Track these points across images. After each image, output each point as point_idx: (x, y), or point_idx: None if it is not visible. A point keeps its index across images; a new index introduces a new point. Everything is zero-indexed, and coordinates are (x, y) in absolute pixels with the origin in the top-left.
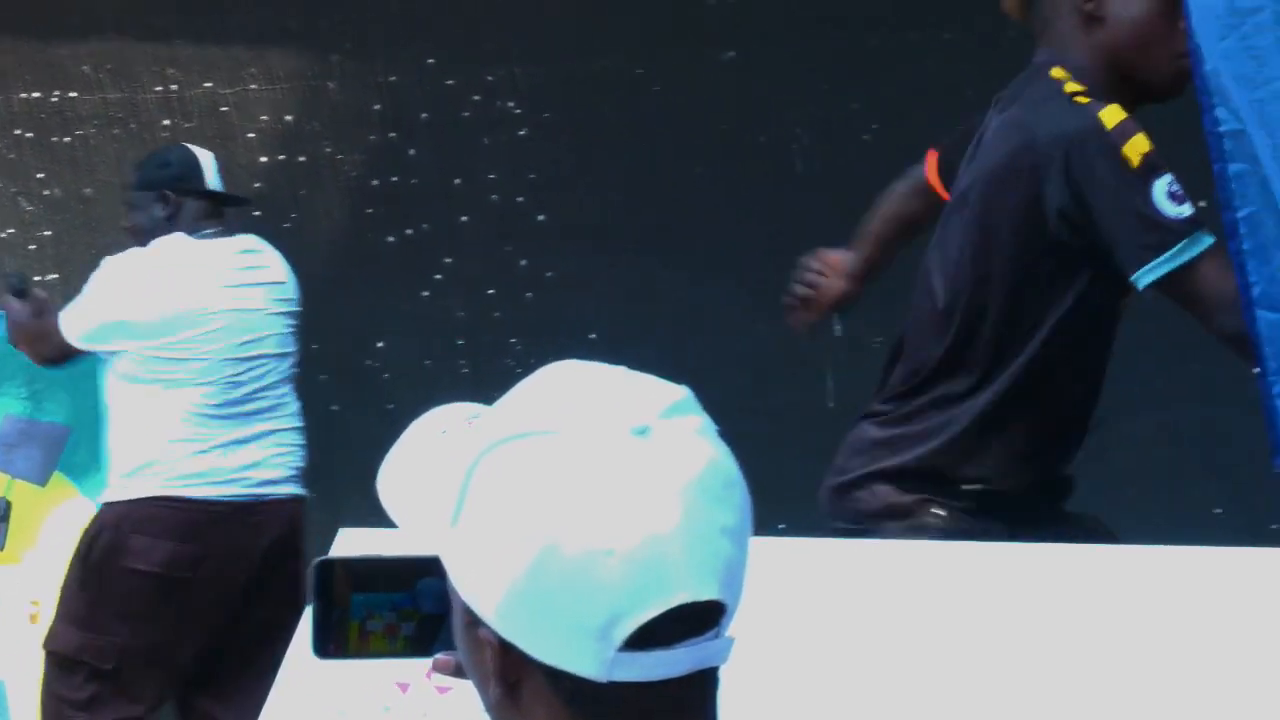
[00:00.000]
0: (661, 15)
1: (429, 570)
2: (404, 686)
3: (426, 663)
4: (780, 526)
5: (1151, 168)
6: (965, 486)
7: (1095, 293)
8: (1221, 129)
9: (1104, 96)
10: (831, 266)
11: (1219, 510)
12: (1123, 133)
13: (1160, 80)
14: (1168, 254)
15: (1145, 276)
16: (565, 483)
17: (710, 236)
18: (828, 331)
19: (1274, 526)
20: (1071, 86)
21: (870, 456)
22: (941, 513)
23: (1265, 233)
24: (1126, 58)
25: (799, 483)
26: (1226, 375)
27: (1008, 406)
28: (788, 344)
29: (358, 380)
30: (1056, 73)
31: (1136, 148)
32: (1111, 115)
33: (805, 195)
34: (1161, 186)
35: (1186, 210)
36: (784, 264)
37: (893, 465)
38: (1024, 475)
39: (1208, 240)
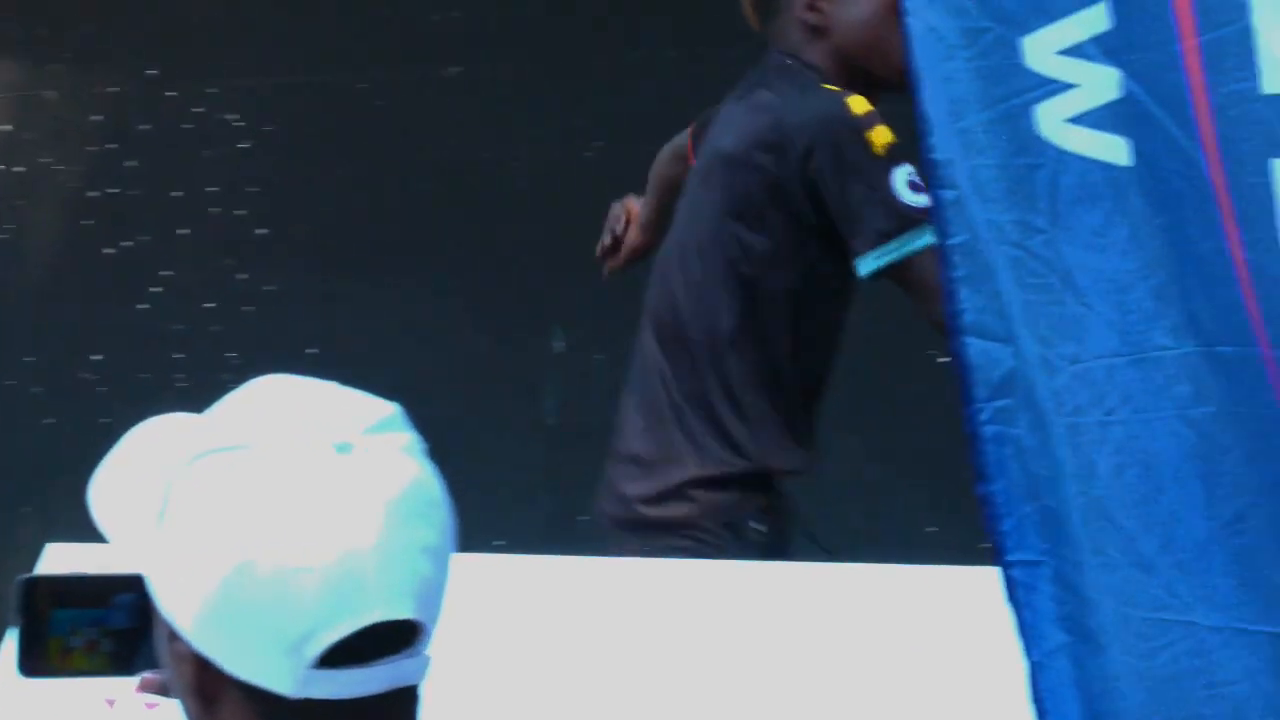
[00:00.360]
0: (385, 30)
1: (130, 586)
2: (111, 702)
3: (135, 679)
4: (497, 543)
5: (894, 156)
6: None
7: (828, 274)
8: (935, 156)
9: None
10: (632, 217)
11: (932, 529)
12: (869, 120)
13: (894, 75)
14: (901, 238)
15: (876, 259)
16: (262, 498)
17: (431, 252)
18: (548, 347)
19: (984, 545)
20: (856, 106)
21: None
22: (761, 527)
23: (977, 261)
24: (858, 59)
25: (517, 499)
26: (939, 394)
27: (767, 384)
28: (507, 359)
29: (73, 393)
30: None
31: (881, 136)
32: (858, 103)
33: (527, 212)
34: (902, 175)
35: (925, 200)
36: (504, 280)
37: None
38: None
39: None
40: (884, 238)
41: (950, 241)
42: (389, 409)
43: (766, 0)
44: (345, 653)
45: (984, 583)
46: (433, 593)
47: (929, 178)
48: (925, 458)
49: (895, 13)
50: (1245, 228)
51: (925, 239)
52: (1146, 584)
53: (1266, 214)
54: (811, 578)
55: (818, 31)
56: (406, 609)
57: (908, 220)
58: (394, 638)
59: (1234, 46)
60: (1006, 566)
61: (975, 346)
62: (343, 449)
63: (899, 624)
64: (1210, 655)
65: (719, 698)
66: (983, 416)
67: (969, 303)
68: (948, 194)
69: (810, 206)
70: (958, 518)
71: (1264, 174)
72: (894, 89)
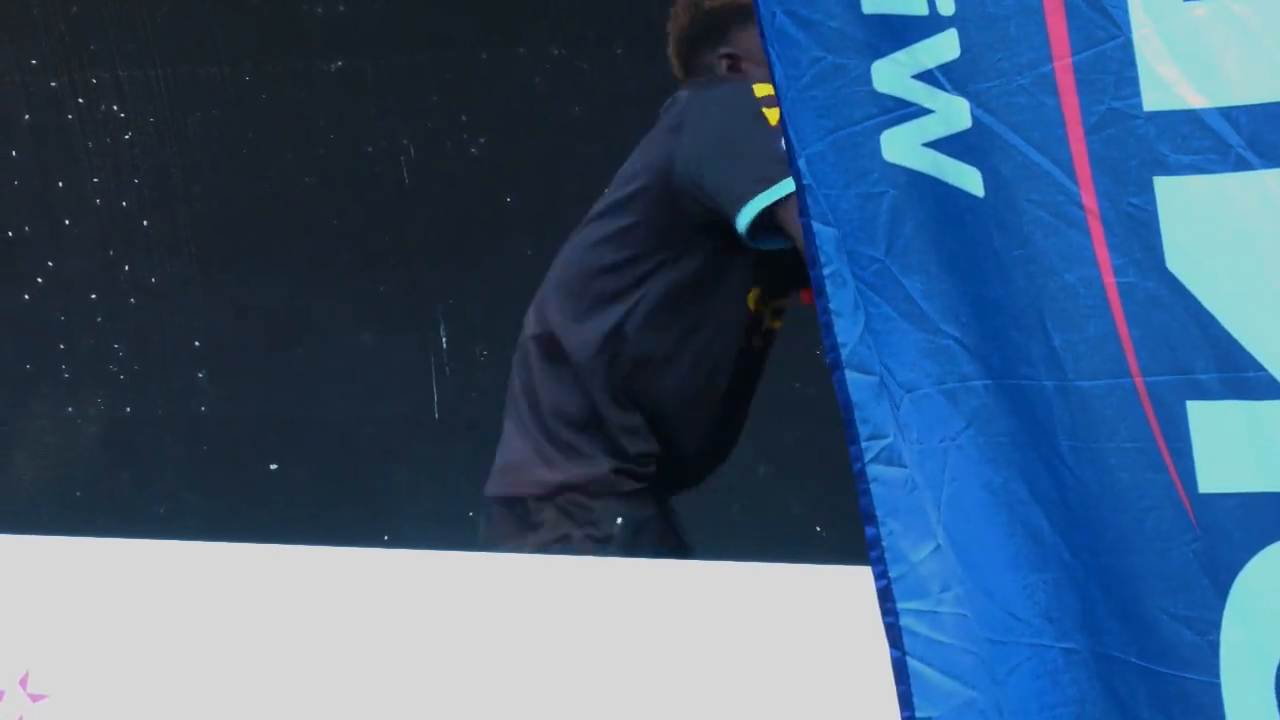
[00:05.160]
0: (268, 23)
1: None
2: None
3: (18, 670)
4: (385, 538)
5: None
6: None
7: (714, 262)
8: (804, 180)
9: None
10: None
11: (819, 529)
12: (769, 102)
13: None
14: (780, 184)
15: (756, 206)
16: None
17: (316, 246)
18: (434, 341)
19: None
20: (760, 88)
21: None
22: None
23: (847, 291)
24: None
25: (404, 494)
26: (828, 394)
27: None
28: (392, 354)
29: None
30: None
31: (775, 109)
32: (764, 88)
33: (411, 206)
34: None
35: None
36: (389, 275)
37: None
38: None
39: None
40: (764, 183)
41: (823, 271)
42: None
43: (690, 55)
44: None
45: (870, 583)
46: None
47: (799, 204)
48: (814, 456)
49: None
50: (1119, 253)
51: None
52: (989, 608)
53: (1148, 234)
54: (693, 576)
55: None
56: None
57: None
58: None
59: (1112, 63)
60: (897, 615)
61: (855, 381)
62: None
63: (790, 623)
64: (1056, 676)
65: (603, 695)
66: (868, 456)
67: (846, 335)
68: (814, 223)
69: (689, 181)
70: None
71: (1146, 193)
72: None
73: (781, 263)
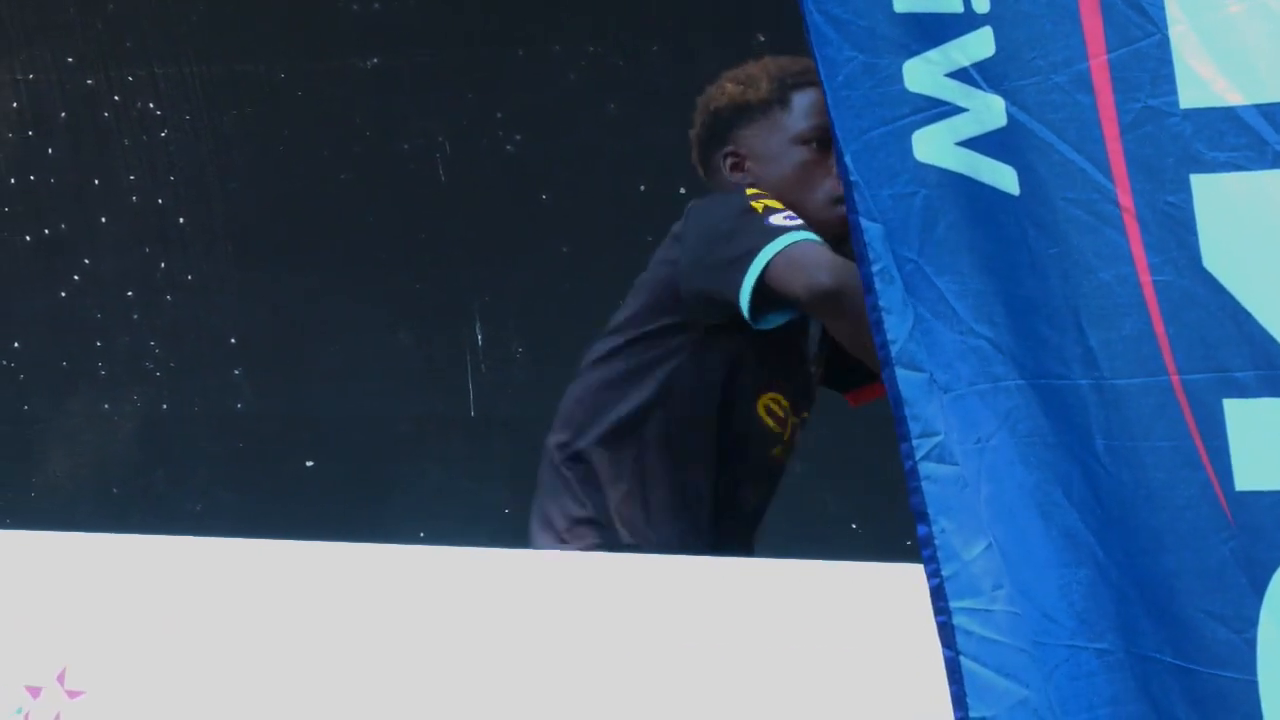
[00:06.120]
0: (304, 21)
1: None
2: (35, 691)
3: (56, 666)
4: (420, 534)
5: (771, 211)
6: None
7: (711, 357)
8: (851, 177)
9: None
10: None
11: (855, 526)
12: (757, 197)
13: (822, 228)
14: (764, 250)
15: (751, 277)
16: None
17: (352, 244)
18: (470, 338)
19: (909, 543)
20: (752, 190)
21: None
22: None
23: (895, 288)
24: None
25: (439, 491)
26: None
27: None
28: (427, 352)
29: None
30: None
31: (764, 201)
32: (758, 194)
33: (447, 203)
34: (778, 215)
35: (794, 223)
36: (424, 272)
37: None
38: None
39: (811, 235)
40: (750, 256)
41: (872, 268)
42: None
43: (703, 158)
44: None
45: (908, 580)
46: None
47: (847, 201)
48: (847, 453)
49: (810, 169)
50: (1155, 251)
51: (794, 236)
52: (1028, 609)
53: (1184, 232)
54: (729, 573)
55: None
56: None
57: (776, 230)
58: None
59: (1149, 61)
60: (950, 614)
61: (906, 379)
62: None
63: (823, 621)
64: (1091, 678)
65: (640, 693)
66: (920, 454)
67: (895, 332)
68: (861, 218)
69: (687, 283)
70: (883, 515)
71: (1182, 191)
72: (827, 243)
73: (798, 367)
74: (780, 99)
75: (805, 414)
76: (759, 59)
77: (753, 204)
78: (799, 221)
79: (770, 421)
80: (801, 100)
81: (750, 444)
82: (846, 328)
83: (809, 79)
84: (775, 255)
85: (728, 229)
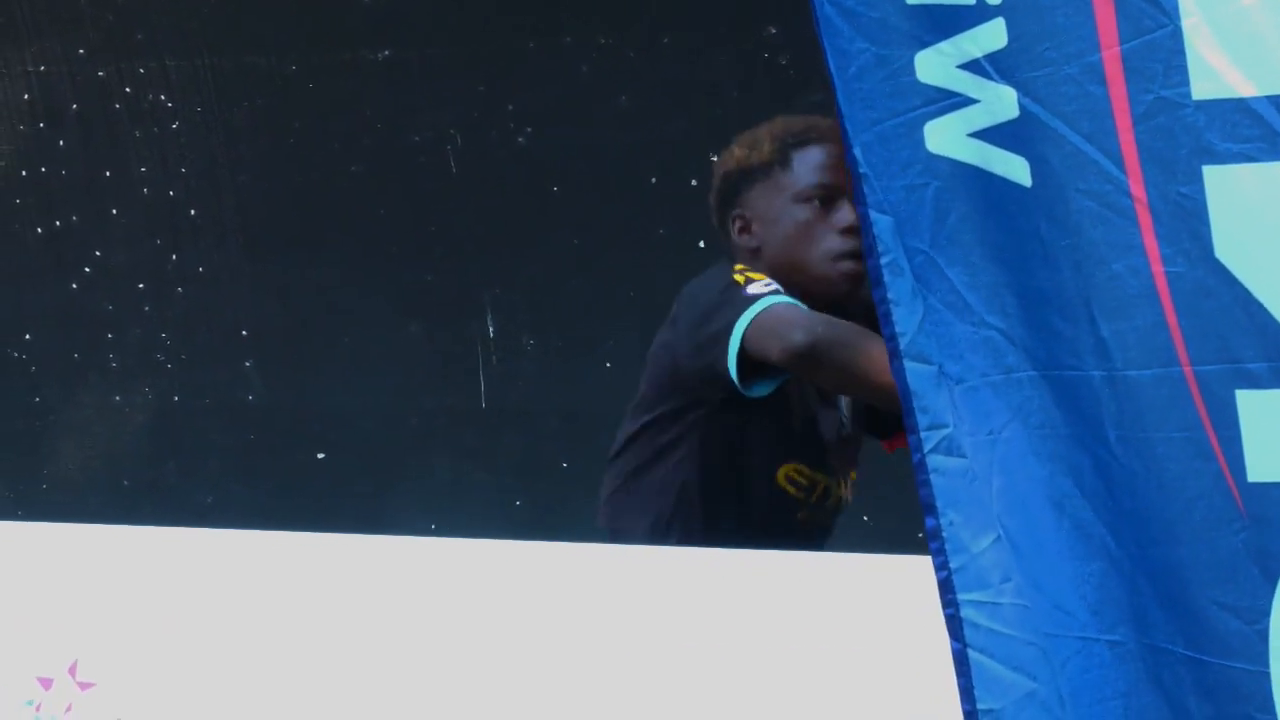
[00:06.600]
0: (315, 13)
1: None
2: (46, 682)
3: (67, 658)
4: (431, 527)
5: (751, 282)
6: None
7: (715, 428)
8: (860, 169)
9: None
10: None
11: (866, 518)
12: (741, 271)
13: (823, 285)
14: (739, 321)
15: (733, 348)
16: None
17: (363, 236)
18: (481, 331)
19: (920, 535)
20: (738, 266)
21: None
22: None
23: (904, 280)
24: (789, 274)
25: (450, 483)
26: None
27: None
28: (438, 344)
29: (4, 373)
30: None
31: (746, 274)
32: (743, 269)
33: (458, 196)
34: (755, 285)
35: (768, 289)
36: (435, 265)
37: None
38: None
39: (783, 298)
40: (729, 327)
41: (880, 260)
42: None
43: (719, 222)
44: None
45: (920, 572)
46: None
47: (855, 194)
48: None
49: (812, 226)
50: (1167, 242)
51: (766, 302)
52: (1039, 601)
53: (1197, 223)
54: (740, 565)
55: (755, 252)
56: None
57: (750, 299)
58: None
59: (1161, 52)
60: (958, 607)
61: (914, 371)
62: None
63: (835, 613)
64: (1104, 670)
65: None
66: (928, 447)
67: (903, 325)
68: (870, 210)
69: (685, 360)
70: (893, 507)
71: (1195, 182)
72: (833, 299)
73: (814, 429)
74: (781, 160)
75: (852, 473)
76: (770, 120)
77: (735, 278)
78: (774, 287)
79: (791, 489)
80: (801, 159)
81: (772, 513)
82: (830, 379)
83: (810, 137)
84: (749, 323)
85: (712, 306)
